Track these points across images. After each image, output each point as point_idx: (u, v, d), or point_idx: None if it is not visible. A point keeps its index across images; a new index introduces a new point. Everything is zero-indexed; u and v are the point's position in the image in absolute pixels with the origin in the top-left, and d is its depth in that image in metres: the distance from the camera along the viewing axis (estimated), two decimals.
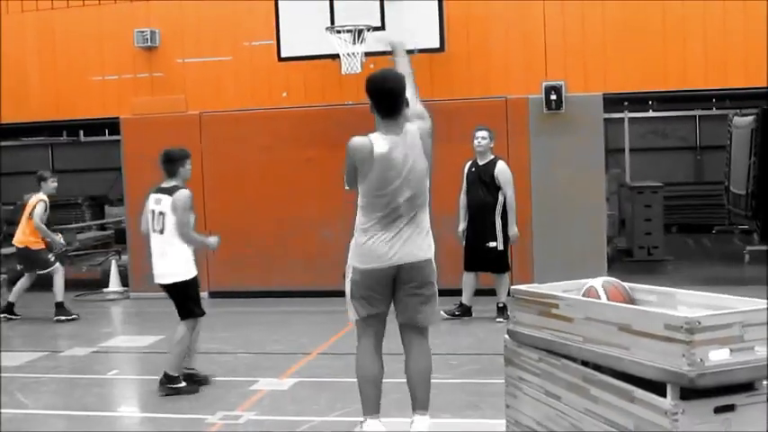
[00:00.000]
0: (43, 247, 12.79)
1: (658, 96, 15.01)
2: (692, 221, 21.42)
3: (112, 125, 15.22)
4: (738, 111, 19.03)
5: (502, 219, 11.24)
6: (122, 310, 13.96)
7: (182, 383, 8.63)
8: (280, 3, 12.90)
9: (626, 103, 16.33)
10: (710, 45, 13.03)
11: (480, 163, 11.36)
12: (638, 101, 15.63)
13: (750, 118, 18.00)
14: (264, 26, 13.33)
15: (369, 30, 12.33)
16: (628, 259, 16.77)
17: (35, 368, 9.88)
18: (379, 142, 6.46)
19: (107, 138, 21.56)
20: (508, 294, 7.05)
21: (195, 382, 8.80)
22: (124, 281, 14.83)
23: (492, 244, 11.19)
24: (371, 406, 6.89)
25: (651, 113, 20.14)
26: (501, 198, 11.23)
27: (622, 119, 20.30)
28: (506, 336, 6.31)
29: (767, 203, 17.00)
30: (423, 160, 6.53)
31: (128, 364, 10.50)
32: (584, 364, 5.58)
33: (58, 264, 12.88)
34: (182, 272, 8.57)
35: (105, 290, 14.93)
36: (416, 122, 6.41)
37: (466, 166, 11.50)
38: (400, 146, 6.41)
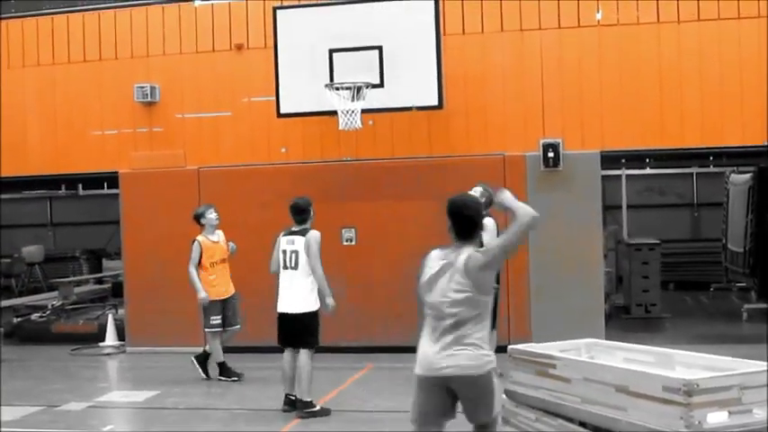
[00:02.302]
0: None
1: (655, 154, 15.07)
2: (689, 279, 21.38)
3: (111, 179, 15.25)
4: (735, 168, 19.09)
5: None
6: (118, 365, 13.88)
7: (317, 407, 9.68)
8: (279, 59, 13.00)
9: (623, 161, 16.41)
10: (707, 103, 13.11)
11: None
12: (636, 158, 15.72)
13: (747, 176, 18.07)
14: (264, 82, 13.44)
15: (368, 87, 12.41)
16: (625, 316, 16.73)
17: (31, 423, 9.80)
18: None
19: (105, 191, 21.61)
20: (498, 351, 6.98)
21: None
22: (121, 335, 14.76)
23: None
24: None
25: (648, 171, 20.24)
26: None
27: (620, 176, 20.37)
28: (504, 395, 6.29)
29: (765, 261, 17.01)
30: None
31: (123, 419, 10.43)
32: (582, 424, 5.56)
33: None
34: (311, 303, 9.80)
35: (101, 344, 14.85)
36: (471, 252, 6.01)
37: None
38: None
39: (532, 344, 6.40)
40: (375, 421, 9.55)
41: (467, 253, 5.83)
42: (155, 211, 14.16)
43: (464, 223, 6.16)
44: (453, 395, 5.59)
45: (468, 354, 5.47)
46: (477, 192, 11.41)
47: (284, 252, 9.97)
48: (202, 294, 11.58)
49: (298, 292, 9.84)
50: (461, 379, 5.43)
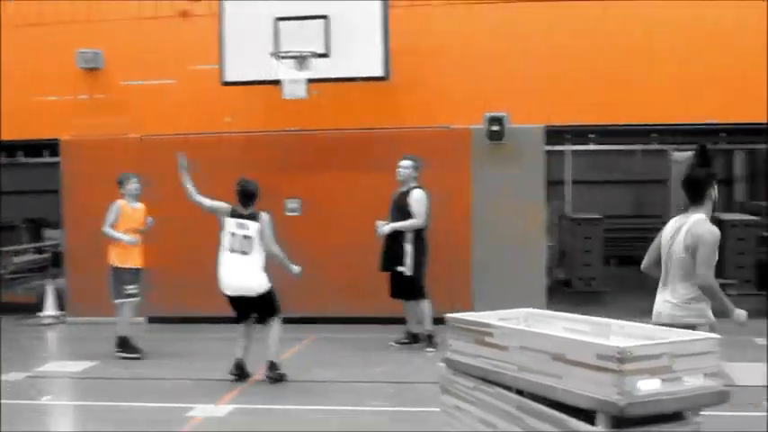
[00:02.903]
0: None
1: (600, 130, 15.20)
2: (631, 254, 21.56)
3: (53, 147, 15.05)
4: (677, 146, 19.32)
5: (414, 246, 11.31)
6: (58, 335, 13.77)
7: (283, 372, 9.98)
8: (225, 27, 12.90)
9: (568, 136, 16.49)
10: (652, 81, 13.24)
11: (401, 190, 11.56)
12: (580, 134, 15.81)
13: (689, 153, 18.32)
14: (209, 50, 13.27)
15: (313, 56, 12.36)
16: (567, 290, 16.90)
17: None
18: None
19: (47, 159, 21.31)
20: (436, 322, 7.06)
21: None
22: (61, 305, 14.62)
23: (400, 268, 11.29)
24: None
25: (593, 147, 20.35)
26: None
27: (565, 151, 20.49)
28: (441, 364, 6.35)
29: None
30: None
31: (62, 389, 10.36)
32: (520, 392, 5.63)
33: None
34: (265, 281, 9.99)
35: (40, 314, 14.69)
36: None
37: (393, 193, 11.70)
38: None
39: (471, 312, 6.46)
40: (316, 391, 9.60)
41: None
42: (96, 180, 13.96)
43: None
44: None
45: None
46: (406, 164, 11.49)
47: (233, 235, 10.01)
48: (126, 237, 11.40)
49: (251, 275, 9.94)
50: None
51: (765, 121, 13.36)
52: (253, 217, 10.01)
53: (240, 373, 10.02)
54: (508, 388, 5.73)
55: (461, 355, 6.13)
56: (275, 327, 10.11)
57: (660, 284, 7.16)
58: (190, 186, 10.36)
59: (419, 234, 11.44)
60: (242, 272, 9.92)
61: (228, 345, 12.21)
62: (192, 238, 13.11)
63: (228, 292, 10.03)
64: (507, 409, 5.67)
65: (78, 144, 14.21)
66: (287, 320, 13.21)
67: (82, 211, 14.05)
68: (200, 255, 13.50)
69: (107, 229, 11.46)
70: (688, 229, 6.83)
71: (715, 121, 13.61)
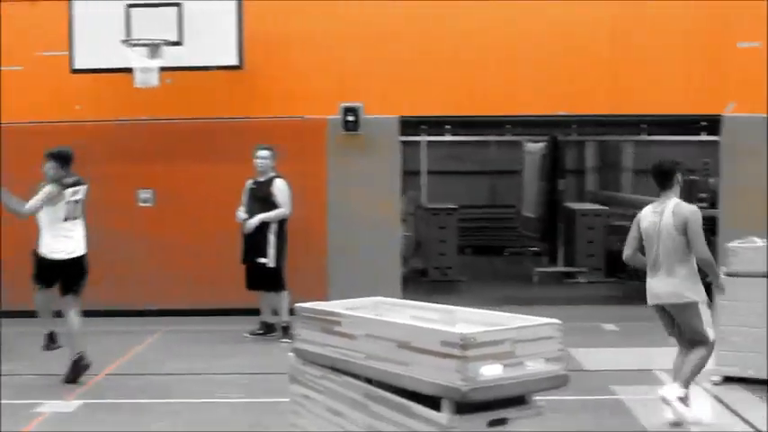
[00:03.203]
0: None
1: (455, 121, 15.43)
2: (485, 243, 22.07)
3: None
4: (530, 138, 19.78)
5: (277, 236, 11.30)
6: None
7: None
8: (74, 13, 12.57)
9: (423, 127, 16.69)
10: (504, 73, 13.50)
11: (260, 180, 11.48)
12: (435, 125, 16.02)
13: (541, 145, 18.78)
14: (58, 36, 12.89)
15: (166, 44, 12.16)
16: (423, 279, 17.12)
17: None
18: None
19: None
20: (291, 313, 7.09)
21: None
22: None
23: (263, 260, 11.24)
24: None
25: (448, 138, 20.65)
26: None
27: (420, 142, 20.72)
28: (291, 353, 6.34)
29: (555, 227, 17.75)
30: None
31: None
32: (369, 381, 5.67)
33: None
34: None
35: None
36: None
37: (247, 184, 11.58)
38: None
39: (319, 302, 6.47)
40: (168, 384, 9.47)
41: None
42: None
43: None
44: None
45: None
46: (265, 154, 11.44)
47: (68, 203, 9.57)
48: None
49: (79, 238, 9.70)
50: None
51: (611, 114, 13.83)
52: (80, 182, 9.76)
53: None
54: (357, 376, 5.76)
55: (310, 344, 6.14)
56: (73, 314, 9.66)
57: (650, 269, 7.72)
58: (17, 207, 9.57)
59: (281, 224, 11.40)
60: (73, 237, 9.62)
61: (92, 337, 12.00)
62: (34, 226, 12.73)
63: (56, 256, 9.53)
64: (355, 397, 5.70)
65: None
66: (139, 313, 13.12)
67: None
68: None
69: None
70: (672, 212, 7.51)
71: (566, 113, 13.95)
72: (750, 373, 8.72)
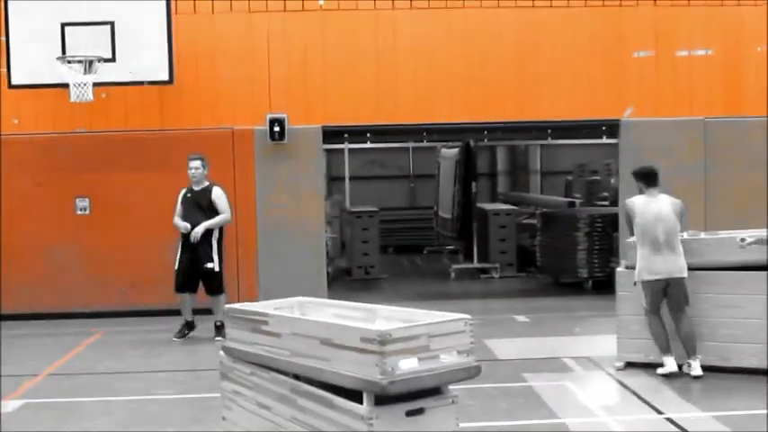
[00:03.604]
0: None
1: (375, 129, 15.43)
2: (405, 243, 22.13)
3: None
4: (445, 143, 19.89)
5: (218, 242, 11.16)
6: None
7: None
8: (11, 30, 12.28)
9: (346, 135, 16.68)
10: (419, 84, 13.56)
11: (196, 189, 11.21)
12: (357, 133, 16.01)
13: (455, 150, 18.88)
14: None
15: (99, 61, 11.96)
16: (348, 278, 17.11)
17: None
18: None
19: None
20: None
21: None
22: None
23: (209, 265, 11.08)
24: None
25: (369, 145, 20.68)
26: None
27: (343, 149, 20.73)
28: (221, 352, 6.28)
29: (470, 227, 17.86)
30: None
31: None
32: (297, 377, 5.63)
33: None
34: None
35: None
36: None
37: (181, 191, 11.30)
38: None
39: (248, 302, 6.42)
40: (106, 383, 9.31)
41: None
42: None
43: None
44: None
45: None
46: (198, 164, 11.24)
47: None
48: None
49: None
50: None
51: (519, 120, 13.96)
52: None
53: None
54: (283, 372, 5.72)
55: (240, 343, 6.08)
56: None
57: (654, 249, 8.54)
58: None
59: (221, 230, 11.22)
60: None
61: (14, 340, 11.76)
62: None
63: None
64: (282, 392, 5.66)
65: None
66: (77, 315, 12.89)
67: None
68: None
69: None
70: (671, 203, 8.66)
71: (477, 121, 14.04)
72: (651, 358, 8.84)
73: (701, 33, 13.52)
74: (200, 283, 11.27)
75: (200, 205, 11.12)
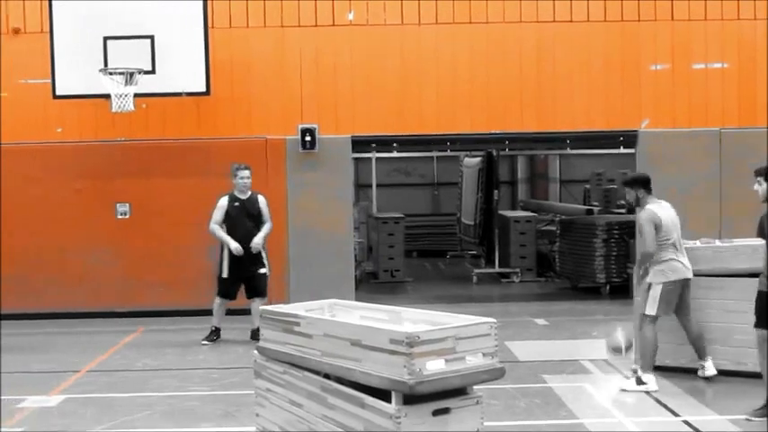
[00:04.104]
0: None
1: (400, 139, 15.42)
2: (429, 248, 22.08)
3: None
4: (468, 153, 19.85)
5: (264, 248, 11.11)
6: None
7: None
8: (55, 44, 12.38)
9: (373, 145, 16.68)
10: (442, 96, 13.54)
11: (242, 197, 11.09)
12: (384, 143, 16.01)
13: (477, 159, 18.85)
14: (41, 65, 12.69)
15: (140, 73, 12.03)
16: (374, 281, 17.10)
17: None
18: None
19: None
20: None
21: None
22: None
23: (263, 270, 10.96)
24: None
25: (395, 154, 20.68)
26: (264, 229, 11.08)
27: (371, 158, 20.74)
28: (255, 351, 6.29)
29: (491, 233, 17.80)
30: None
31: None
32: (327, 376, 5.63)
33: None
34: None
35: None
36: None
37: (223, 199, 11.09)
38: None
39: (281, 305, 6.42)
40: (144, 379, 9.33)
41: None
42: None
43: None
44: None
45: None
46: (248, 174, 11.12)
47: None
48: None
49: None
50: None
51: (539, 131, 13.90)
52: None
53: None
54: (314, 371, 5.72)
55: (272, 343, 6.09)
56: None
57: (675, 252, 8.42)
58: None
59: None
60: None
61: (55, 337, 11.83)
62: (18, 240, 12.57)
63: None
64: (313, 390, 5.66)
65: None
66: (115, 315, 12.96)
67: None
68: (26, 255, 13.01)
69: None
70: (671, 207, 8.61)
71: (499, 131, 14.00)
72: (666, 362, 8.76)
73: (717, 47, 13.42)
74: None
75: (250, 213, 10.96)
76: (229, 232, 10.94)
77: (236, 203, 11.06)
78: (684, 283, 8.48)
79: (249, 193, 11.14)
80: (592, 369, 9.23)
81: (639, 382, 8.29)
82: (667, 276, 8.38)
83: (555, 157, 24.73)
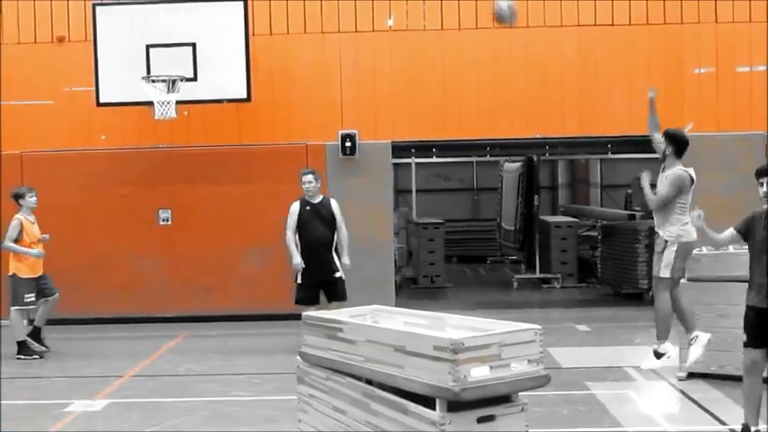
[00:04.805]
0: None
1: (440, 144, 15.39)
2: (469, 253, 21.99)
3: None
4: (508, 158, 19.75)
5: (336, 251, 10.99)
6: None
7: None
8: (99, 52, 12.50)
9: (413, 150, 16.67)
10: (482, 101, 13.48)
11: (314, 202, 10.86)
12: (423, 148, 15.99)
13: (518, 164, 18.75)
14: (84, 73, 12.84)
15: (182, 80, 12.12)
16: (414, 286, 17.06)
17: None
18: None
19: None
20: (294, 318, 7.01)
21: None
22: None
23: (338, 274, 10.78)
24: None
25: (435, 159, 20.62)
26: (335, 233, 10.88)
27: (410, 163, 20.71)
28: (298, 357, 6.28)
29: (532, 238, 17.70)
30: None
31: None
32: (369, 382, 5.60)
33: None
34: None
35: None
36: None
37: (294, 205, 10.86)
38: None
39: (323, 310, 6.41)
40: (187, 384, 9.39)
41: None
42: None
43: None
44: None
45: None
46: (311, 178, 11.03)
47: None
48: (34, 251, 10.87)
49: None
50: None
51: (580, 135, 13.81)
52: None
53: None
54: (357, 377, 5.70)
55: (315, 348, 6.07)
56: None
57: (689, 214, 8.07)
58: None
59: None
60: None
61: (101, 342, 11.93)
62: (67, 246, 12.68)
63: None
64: (356, 396, 5.63)
65: None
66: (158, 320, 13.04)
67: None
68: (74, 261, 13.12)
69: (9, 245, 10.80)
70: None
71: (539, 136, 13.93)
72: (712, 369, 8.64)
73: (762, 49, 13.22)
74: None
75: (322, 217, 10.79)
76: (302, 237, 10.77)
77: (308, 207, 10.82)
78: (692, 246, 8.43)
79: (321, 197, 10.95)
80: (635, 376, 9.12)
81: (657, 355, 8.23)
82: (683, 237, 8.30)
83: (596, 162, 24.51)
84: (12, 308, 10.94)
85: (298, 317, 6.46)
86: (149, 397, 8.85)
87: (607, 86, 13.41)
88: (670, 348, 8.34)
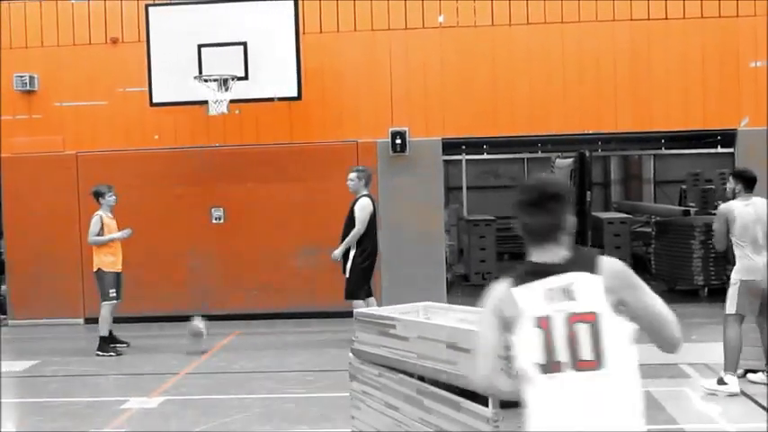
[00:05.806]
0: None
1: (491, 141, 15.35)
2: (521, 250, 21.74)
3: None
4: (560, 154, 19.64)
5: (359, 253, 10.96)
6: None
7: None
8: (152, 53, 12.69)
9: (463, 147, 16.64)
10: (534, 96, 13.43)
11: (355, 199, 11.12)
12: (474, 145, 15.96)
13: (569, 160, 18.65)
14: (137, 73, 13.05)
15: (233, 79, 12.25)
16: (465, 284, 17.03)
17: None
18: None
19: None
20: (346, 315, 7.06)
21: None
22: (2, 309, 14.19)
23: (346, 274, 10.94)
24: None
25: (485, 156, 20.57)
26: None
27: (461, 160, 20.69)
28: (351, 354, 6.32)
29: (584, 234, 17.57)
30: None
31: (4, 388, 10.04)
32: (421, 378, 5.62)
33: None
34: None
35: None
36: None
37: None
38: None
39: (375, 308, 6.44)
40: (241, 381, 9.50)
41: None
42: (35, 193, 13.67)
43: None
44: None
45: None
46: (351, 176, 11.10)
47: None
48: (119, 234, 11.26)
49: None
50: None
51: (633, 130, 13.69)
52: None
53: None
54: (410, 374, 5.71)
55: (367, 345, 6.11)
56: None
57: (755, 250, 8.24)
58: None
59: (360, 241, 10.99)
60: None
61: (157, 340, 12.10)
62: (122, 245, 12.87)
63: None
64: (409, 393, 5.65)
65: (18, 161, 13.80)
66: (212, 317, 13.18)
67: (22, 223, 13.71)
68: (130, 261, 13.27)
69: (93, 238, 11.16)
70: (764, 204, 8.42)
71: (592, 131, 13.84)
72: None
73: None
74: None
75: (349, 216, 10.99)
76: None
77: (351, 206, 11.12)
78: (756, 285, 8.21)
79: (358, 195, 11.07)
80: (691, 373, 9.04)
81: (721, 382, 8.13)
82: (740, 275, 8.23)
83: (649, 158, 24.26)
84: (102, 303, 11.24)
85: (350, 314, 6.53)
86: (204, 394, 8.98)
87: (660, 81, 13.27)
88: (733, 383, 8.16)
